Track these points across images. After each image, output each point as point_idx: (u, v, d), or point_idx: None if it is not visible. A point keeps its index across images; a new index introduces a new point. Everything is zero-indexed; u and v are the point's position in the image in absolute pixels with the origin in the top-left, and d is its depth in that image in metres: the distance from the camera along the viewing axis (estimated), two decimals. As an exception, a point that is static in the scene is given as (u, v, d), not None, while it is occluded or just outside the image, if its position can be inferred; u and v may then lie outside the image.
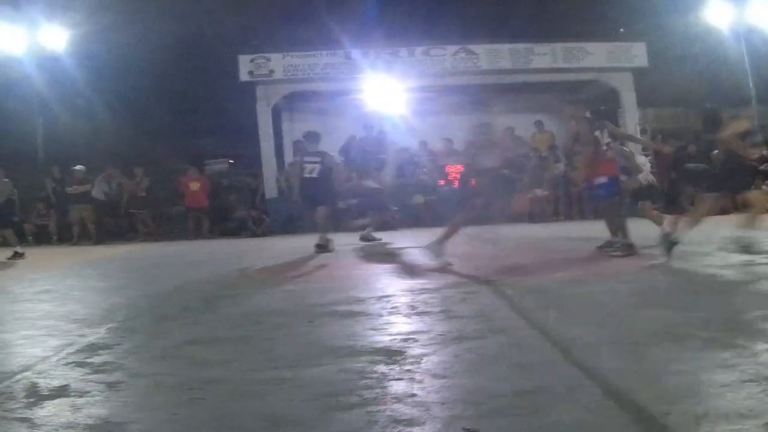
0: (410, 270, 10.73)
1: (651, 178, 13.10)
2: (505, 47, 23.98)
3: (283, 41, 24.27)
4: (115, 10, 24.67)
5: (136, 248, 19.31)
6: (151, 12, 25.38)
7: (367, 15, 25.48)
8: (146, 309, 7.95)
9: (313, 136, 15.57)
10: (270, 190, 23.69)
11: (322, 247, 14.28)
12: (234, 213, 23.20)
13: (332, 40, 23.74)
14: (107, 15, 24.54)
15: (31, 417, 3.92)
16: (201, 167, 25.18)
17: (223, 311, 7.58)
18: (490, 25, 26.22)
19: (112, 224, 23.55)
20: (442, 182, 22.68)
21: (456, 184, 22.24)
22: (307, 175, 14.96)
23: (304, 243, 15.27)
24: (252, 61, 23.51)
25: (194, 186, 23.03)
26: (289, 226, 21.46)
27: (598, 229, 12.20)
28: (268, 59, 23.55)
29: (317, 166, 14.83)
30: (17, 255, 16.23)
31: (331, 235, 14.84)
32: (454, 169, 22.63)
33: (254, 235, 21.71)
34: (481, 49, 23.96)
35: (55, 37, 24.51)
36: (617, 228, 11.27)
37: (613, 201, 11.31)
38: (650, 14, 25.38)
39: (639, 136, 21.99)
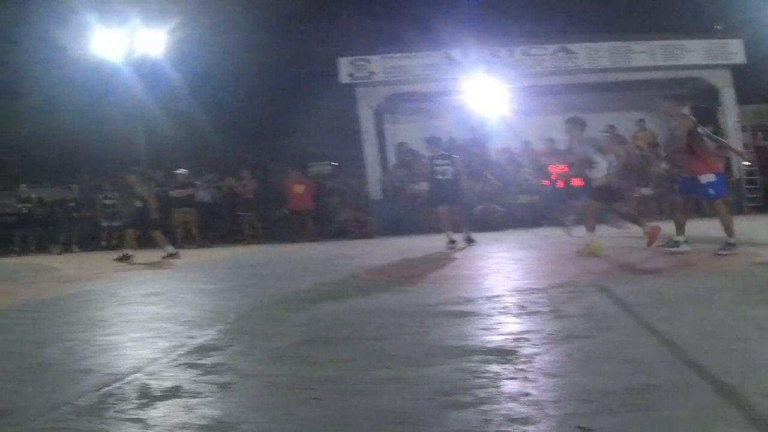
0: (518, 270, 10.70)
1: (614, 180, 12.70)
2: (604, 45, 23.82)
3: (383, 43, 24.36)
4: (213, 14, 25.04)
5: (241, 251, 19.53)
6: (250, 15, 25.66)
7: (467, 15, 25.39)
8: (255, 311, 8.01)
9: (435, 141, 16.70)
10: (374, 191, 23.78)
11: (469, 241, 15.62)
12: (338, 215, 23.33)
13: (432, 41, 23.79)
14: (205, 19, 24.91)
15: (145, 417, 3.95)
16: (304, 170, 25.37)
17: (332, 312, 7.59)
18: (589, 23, 25.97)
19: (217, 227, 23.88)
20: (545, 182, 22.55)
21: (560, 184, 22.25)
22: (439, 177, 15.83)
23: (409, 244, 15.38)
24: (352, 63, 23.69)
25: (298, 188, 23.21)
26: (394, 227, 21.48)
27: (702, 228, 12.03)
28: (368, 61, 23.73)
29: (449, 168, 15.78)
30: (171, 256, 16.52)
31: (455, 235, 15.53)
32: (557, 169, 22.57)
33: (358, 236, 21.77)
34: (581, 48, 23.82)
35: (153, 42, 25.00)
36: (682, 225, 11.17)
37: (722, 199, 11.07)
38: (746, 9, 24.91)
39: (740, 132, 21.82)
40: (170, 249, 16.88)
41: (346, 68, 23.69)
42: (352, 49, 24.05)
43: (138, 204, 17.17)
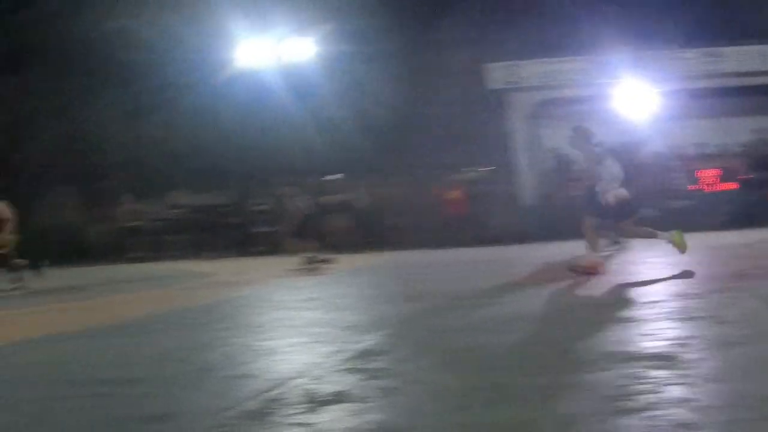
0: (674, 275, 10.54)
1: (623, 193, 11.76)
2: (753, 48, 23.32)
3: (532, 48, 24.36)
4: (358, 22, 25.25)
5: (395, 256, 19.64)
6: (395, 21, 25.77)
7: (615, 19, 25.10)
8: (415, 316, 8.06)
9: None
10: (527, 196, 23.76)
11: (621, 246, 15.32)
12: (491, 220, 23.28)
13: (581, 45, 23.70)
14: (351, 26, 25.16)
15: (311, 423, 3.93)
16: (457, 176, 25.40)
17: (491, 317, 7.57)
18: (737, 26, 25.34)
19: (372, 233, 24.04)
20: (692, 187, 22.20)
21: (710, 189, 21.99)
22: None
23: (564, 249, 15.25)
24: (502, 68, 23.87)
25: (452, 194, 23.28)
26: (547, 232, 21.36)
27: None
28: (518, 66, 23.93)
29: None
30: (324, 261, 16.66)
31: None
32: (708, 174, 22.25)
33: (512, 241, 21.66)
34: (729, 51, 23.47)
35: (302, 50, 25.49)
36: None
37: None
38: None
39: None
40: (323, 256, 17.04)
41: (496, 74, 23.97)
42: (501, 55, 24.17)
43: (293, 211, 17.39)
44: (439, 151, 26.03)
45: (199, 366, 5.79)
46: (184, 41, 25.23)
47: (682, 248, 11.08)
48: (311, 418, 4.02)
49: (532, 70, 23.90)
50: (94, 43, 25.65)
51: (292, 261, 16.33)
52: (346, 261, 17.70)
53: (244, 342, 6.86)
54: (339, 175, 23.36)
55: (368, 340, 6.38)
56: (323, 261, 16.63)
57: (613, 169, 11.40)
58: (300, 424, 3.90)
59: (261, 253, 22.91)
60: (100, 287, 15.22)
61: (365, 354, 5.76)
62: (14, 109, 26.81)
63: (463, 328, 7.00)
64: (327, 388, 4.67)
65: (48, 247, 25.63)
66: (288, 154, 25.48)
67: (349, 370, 5.18)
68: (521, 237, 21.94)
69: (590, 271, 10.79)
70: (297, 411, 4.18)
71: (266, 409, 4.26)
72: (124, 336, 7.80)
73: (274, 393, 4.62)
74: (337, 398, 4.40)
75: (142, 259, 24.16)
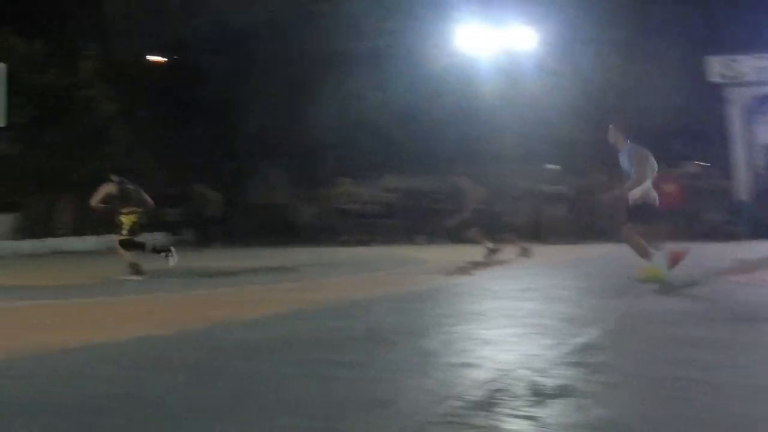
0: None
1: (652, 196, 10.58)
2: None
3: (753, 43, 23.86)
4: (577, 10, 25.08)
5: (610, 248, 19.39)
6: (616, 11, 25.46)
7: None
8: (632, 309, 8.08)
9: None
10: (742, 192, 23.32)
11: None
12: (705, 215, 22.98)
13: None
14: (570, 14, 25.03)
15: (538, 416, 3.95)
16: (673, 169, 25.04)
17: (710, 314, 7.57)
18: None
19: (586, 224, 23.89)
20: None
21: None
22: None
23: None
24: (721, 62, 23.82)
25: (668, 188, 22.89)
26: (763, 229, 20.92)
27: None
28: (738, 61, 23.96)
29: None
30: (491, 251, 16.57)
31: None
32: None
33: (726, 238, 21.24)
34: None
35: (522, 37, 25.51)
36: None
37: None
38: None
39: None
40: (491, 245, 16.77)
41: (715, 68, 23.96)
42: (721, 49, 23.86)
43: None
44: (657, 143, 25.70)
45: (418, 352, 5.90)
46: (405, 27, 25.60)
47: (647, 279, 10.06)
48: (538, 411, 4.04)
49: (751, 65, 23.61)
50: (315, 29, 26.33)
51: (503, 250, 16.33)
52: (562, 251, 17.62)
53: (464, 330, 6.93)
54: (556, 166, 23.30)
55: (589, 334, 6.37)
56: (491, 252, 16.42)
57: (648, 168, 10.75)
58: (527, 417, 3.92)
59: (473, 241, 22.98)
60: (312, 269, 15.56)
61: (587, 347, 5.77)
62: (231, 91, 27.68)
63: (687, 323, 6.99)
64: (551, 381, 4.68)
65: (259, 226, 26.56)
66: (505, 141, 25.52)
67: (572, 364, 5.18)
68: (731, 234, 21.56)
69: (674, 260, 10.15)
70: (523, 403, 4.20)
71: (491, 400, 4.29)
72: (337, 318, 8.00)
73: (498, 384, 4.65)
74: (562, 392, 4.42)
75: (353, 242, 24.55)
